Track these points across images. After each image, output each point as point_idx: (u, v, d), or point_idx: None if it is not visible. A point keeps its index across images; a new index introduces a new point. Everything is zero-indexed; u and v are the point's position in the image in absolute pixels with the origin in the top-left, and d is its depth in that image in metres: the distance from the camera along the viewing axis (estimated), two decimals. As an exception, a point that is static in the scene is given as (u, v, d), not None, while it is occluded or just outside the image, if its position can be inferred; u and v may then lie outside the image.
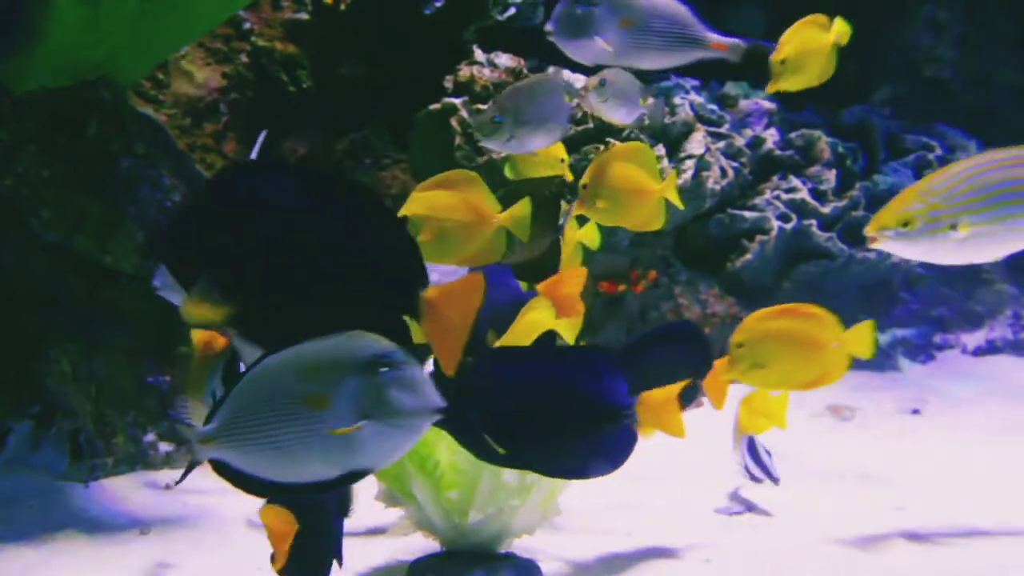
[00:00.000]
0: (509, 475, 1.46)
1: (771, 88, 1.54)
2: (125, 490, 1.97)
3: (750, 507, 1.85)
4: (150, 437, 2.08)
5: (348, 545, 1.50)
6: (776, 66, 1.55)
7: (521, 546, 1.58)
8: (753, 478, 1.82)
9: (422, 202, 1.36)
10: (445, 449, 1.46)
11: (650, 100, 1.78)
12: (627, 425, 1.23)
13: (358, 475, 1.03)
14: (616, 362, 1.26)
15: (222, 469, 1.06)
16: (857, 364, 3.23)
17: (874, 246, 1.41)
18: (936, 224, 1.37)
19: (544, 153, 1.68)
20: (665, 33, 1.51)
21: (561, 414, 1.24)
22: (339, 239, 1.06)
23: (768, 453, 1.82)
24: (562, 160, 1.72)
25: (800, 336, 1.44)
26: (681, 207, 1.61)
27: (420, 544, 1.60)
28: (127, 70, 2.12)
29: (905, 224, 1.37)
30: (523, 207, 1.40)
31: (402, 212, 1.34)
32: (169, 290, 1.47)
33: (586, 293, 1.48)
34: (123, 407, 2.06)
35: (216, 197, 1.07)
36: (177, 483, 1.33)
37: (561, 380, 1.26)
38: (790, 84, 1.54)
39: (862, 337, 1.46)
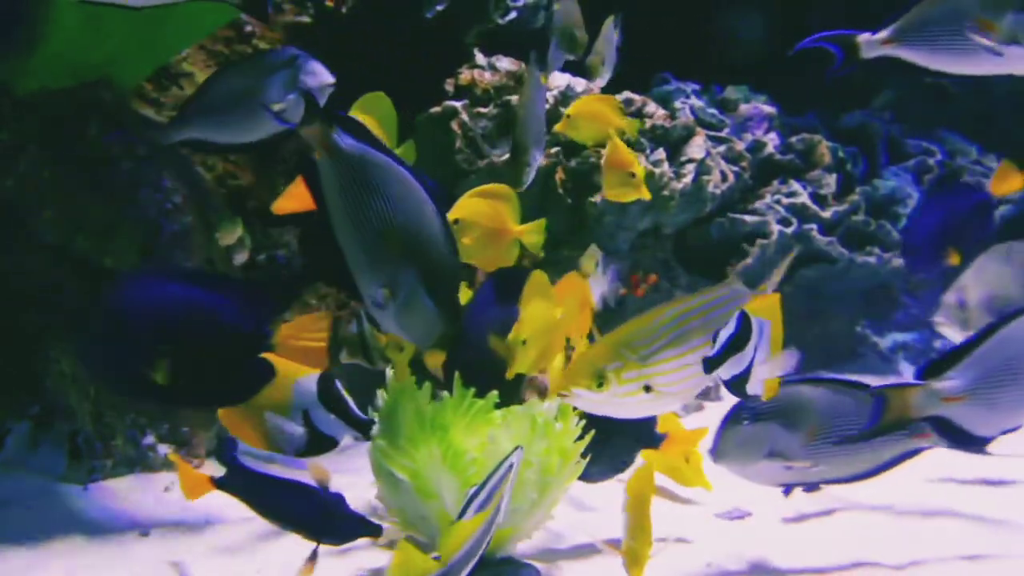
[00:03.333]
0: (530, 472, 1.46)
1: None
2: (124, 492, 1.96)
3: (749, 513, 1.85)
4: (149, 439, 2.08)
5: (344, 547, 1.50)
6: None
7: (520, 550, 1.58)
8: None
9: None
10: (476, 444, 1.46)
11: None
12: (262, 357, 1.31)
13: None
14: (262, 294, 1.31)
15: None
16: (857, 368, 3.23)
17: (565, 401, 1.35)
18: (628, 387, 1.32)
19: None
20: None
21: (201, 339, 1.28)
22: None
23: None
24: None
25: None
26: (540, 254, 1.65)
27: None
28: (128, 71, 2.12)
29: (599, 384, 1.31)
30: None
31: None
32: None
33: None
34: (122, 409, 2.06)
35: None
36: None
37: (202, 305, 1.31)
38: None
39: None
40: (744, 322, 1.28)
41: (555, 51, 1.83)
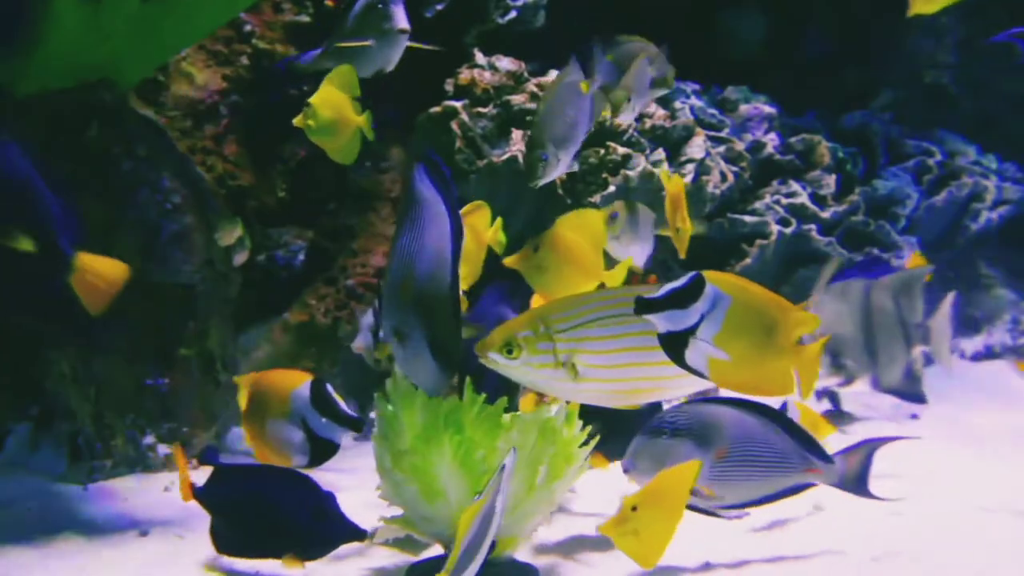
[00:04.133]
0: (537, 475, 1.46)
1: None
2: (124, 492, 1.97)
3: (747, 512, 1.85)
4: (149, 439, 2.08)
5: (343, 548, 1.50)
6: None
7: (520, 550, 1.58)
8: None
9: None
10: (487, 447, 1.46)
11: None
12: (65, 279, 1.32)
13: None
14: (80, 219, 1.34)
15: None
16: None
17: (483, 362, 1.33)
18: (542, 358, 1.28)
19: None
20: None
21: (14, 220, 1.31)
22: None
23: None
24: None
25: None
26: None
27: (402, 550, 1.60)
28: (128, 72, 2.12)
29: (509, 351, 1.29)
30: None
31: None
32: None
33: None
34: (122, 409, 2.06)
35: None
36: None
37: (34, 191, 1.35)
38: None
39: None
40: (696, 282, 1.18)
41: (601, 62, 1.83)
